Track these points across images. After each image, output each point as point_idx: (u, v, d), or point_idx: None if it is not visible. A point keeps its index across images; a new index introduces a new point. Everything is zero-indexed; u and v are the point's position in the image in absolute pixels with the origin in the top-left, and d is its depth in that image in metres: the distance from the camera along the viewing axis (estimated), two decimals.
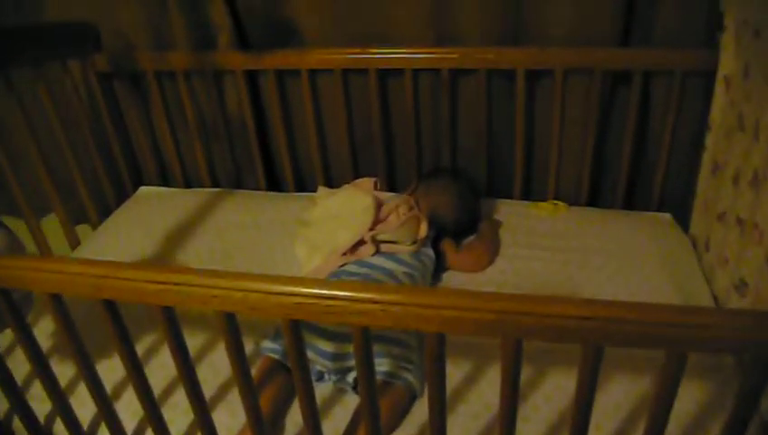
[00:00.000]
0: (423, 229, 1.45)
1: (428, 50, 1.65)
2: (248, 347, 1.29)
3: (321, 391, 1.23)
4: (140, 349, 1.16)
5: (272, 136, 1.92)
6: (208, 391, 1.21)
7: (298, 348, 0.88)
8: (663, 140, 1.60)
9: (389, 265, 1.40)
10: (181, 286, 0.85)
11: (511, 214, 1.70)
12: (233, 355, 0.92)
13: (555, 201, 1.73)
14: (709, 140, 1.50)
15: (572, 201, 1.74)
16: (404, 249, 1.42)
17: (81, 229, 1.94)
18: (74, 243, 1.82)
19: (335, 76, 1.73)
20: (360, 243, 1.43)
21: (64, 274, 0.89)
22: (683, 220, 1.65)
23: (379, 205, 1.49)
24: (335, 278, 1.36)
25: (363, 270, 1.38)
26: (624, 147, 1.65)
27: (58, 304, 0.95)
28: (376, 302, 0.77)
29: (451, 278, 1.50)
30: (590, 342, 0.74)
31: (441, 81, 1.67)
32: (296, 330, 0.86)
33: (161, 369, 1.27)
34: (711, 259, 1.48)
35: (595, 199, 1.77)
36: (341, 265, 1.40)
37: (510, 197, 1.80)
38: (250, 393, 0.95)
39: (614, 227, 1.62)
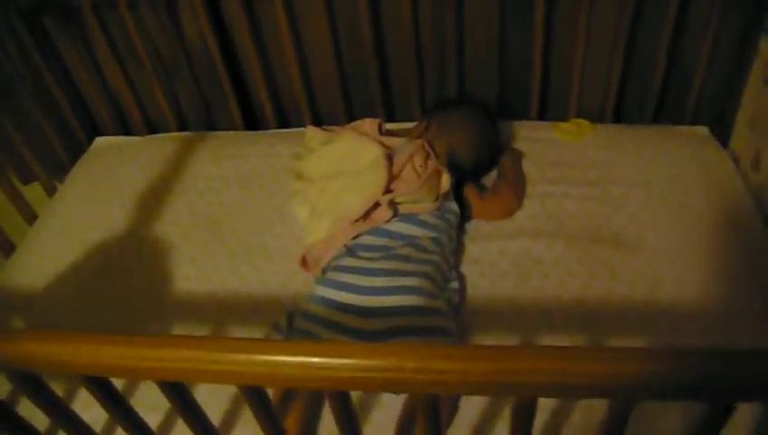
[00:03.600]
0: (445, 182, 1.25)
1: None
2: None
3: None
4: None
5: (244, 67, 1.63)
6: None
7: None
8: (704, 42, 1.38)
9: (412, 230, 1.21)
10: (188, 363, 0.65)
11: (531, 140, 1.50)
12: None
13: (578, 120, 1.53)
14: (764, 44, 1.29)
15: (596, 118, 1.54)
16: (425, 208, 1.23)
17: (33, 190, 1.68)
18: (27, 212, 1.57)
19: None
20: (375, 206, 1.22)
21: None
22: (720, 135, 1.47)
23: (389, 156, 1.26)
24: (352, 255, 1.16)
25: (383, 241, 1.19)
26: (659, 50, 1.42)
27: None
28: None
29: (477, 230, 1.32)
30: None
31: None
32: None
33: None
34: (761, 179, 1.32)
35: (620, 113, 1.56)
36: (355, 237, 1.21)
37: (526, 117, 1.58)
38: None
39: (649, 147, 1.44)
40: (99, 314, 1.27)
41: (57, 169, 1.76)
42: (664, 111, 1.54)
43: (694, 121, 1.50)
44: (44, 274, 1.38)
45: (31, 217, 1.58)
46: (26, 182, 1.76)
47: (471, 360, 0.57)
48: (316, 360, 0.58)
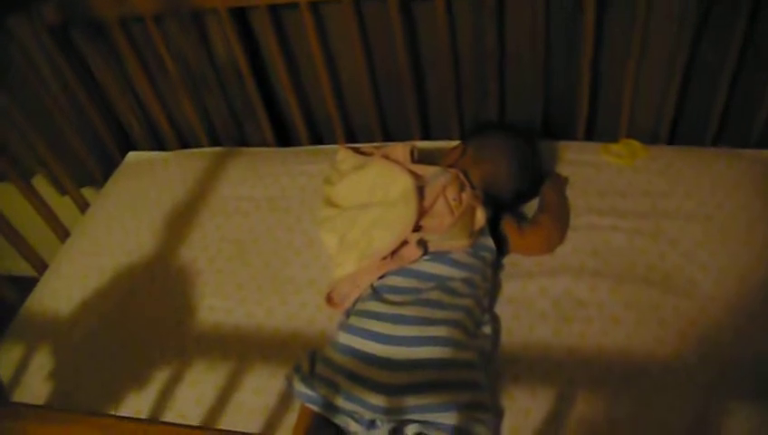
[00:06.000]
0: (480, 218, 1.16)
1: None
2: (278, 382, 1.10)
3: None
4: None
5: (274, 81, 1.57)
6: None
7: None
8: None
9: (443, 270, 1.13)
10: None
11: (577, 163, 1.39)
12: None
13: (629, 141, 1.41)
14: None
15: (650, 140, 1.41)
16: (458, 245, 1.14)
17: (64, 202, 1.67)
18: (59, 229, 1.56)
19: (344, 4, 1.36)
20: (403, 243, 1.15)
21: None
22: None
23: (420, 187, 1.18)
24: (379, 299, 1.10)
25: (411, 282, 1.12)
26: (723, 64, 1.28)
27: None
28: None
29: (515, 265, 1.23)
30: None
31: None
32: None
33: None
34: None
35: (676, 134, 1.43)
36: (381, 277, 1.14)
37: (572, 137, 1.47)
38: None
39: (709, 174, 1.31)
40: (122, 346, 1.25)
41: (91, 183, 1.75)
42: (727, 133, 1.40)
43: (761, 144, 1.36)
44: (72, 298, 1.37)
45: (63, 233, 1.57)
46: (63, 193, 1.76)
47: None
48: None
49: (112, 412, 1.14)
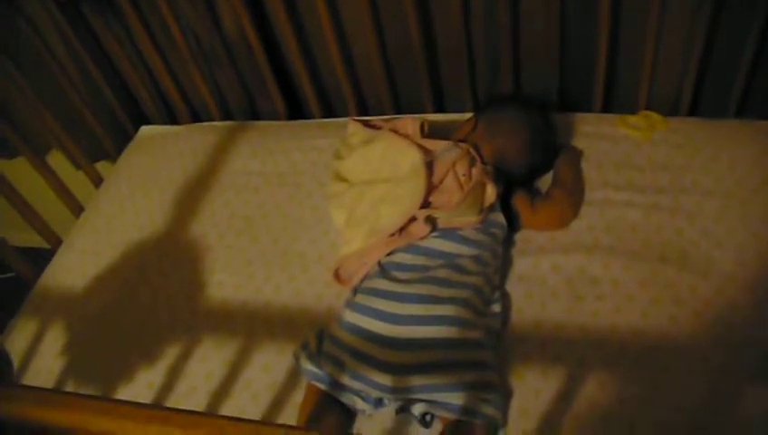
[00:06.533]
0: (490, 194, 1.13)
1: None
2: (286, 359, 1.10)
3: (383, 419, 1.02)
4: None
5: (285, 55, 1.54)
6: None
7: None
8: None
9: (452, 247, 1.11)
10: None
11: (593, 136, 1.35)
12: None
13: (648, 112, 1.36)
14: None
15: (669, 111, 1.36)
16: (467, 222, 1.12)
17: (79, 177, 1.68)
18: (74, 206, 1.57)
19: None
20: (411, 219, 1.13)
21: None
22: None
23: (429, 163, 1.15)
24: (386, 277, 1.08)
25: (419, 259, 1.10)
26: (748, 32, 1.22)
27: None
28: None
29: (528, 241, 1.21)
30: None
31: None
32: None
33: None
34: None
35: (697, 105, 1.38)
36: (389, 253, 1.12)
37: (588, 109, 1.42)
38: None
39: (730, 147, 1.26)
40: (133, 321, 1.26)
41: (105, 157, 1.75)
42: (750, 103, 1.34)
43: None
44: (85, 274, 1.38)
45: (77, 208, 1.58)
46: (78, 168, 1.76)
47: None
48: None
49: (124, 387, 1.16)
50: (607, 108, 1.42)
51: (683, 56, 1.31)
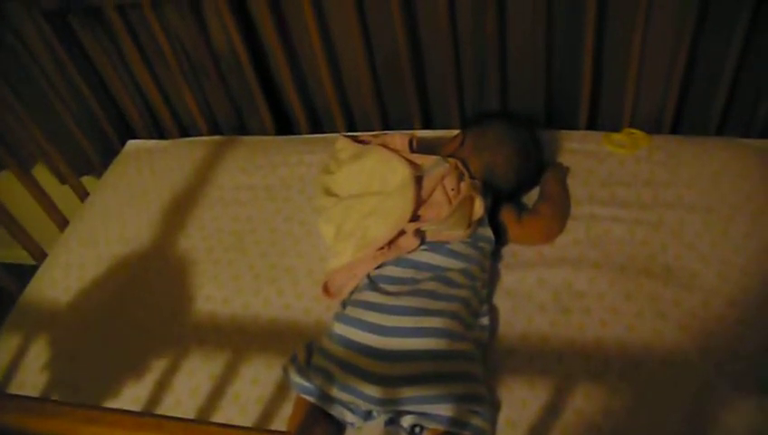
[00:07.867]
0: (478, 208, 1.14)
1: None
2: (274, 372, 1.10)
3: (372, 432, 1.02)
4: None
5: (274, 70, 1.56)
6: None
7: None
8: None
9: (440, 260, 1.12)
10: None
11: (578, 153, 1.37)
12: None
13: (631, 130, 1.39)
14: None
15: (653, 128, 1.39)
16: (455, 236, 1.13)
17: (64, 191, 1.67)
18: (59, 220, 1.56)
19: None
20: (400, 233, 1.14)
21: None
22: None
23: (419, 177, 1.17)
24: (375, 289, 1.09)
25: (408, 273, 1.11)
26: (728, 51, 1.26)
27: None
28: None
29: (515, 255, 1.22)
30: None
31: None
32: None
33: None
34: None
35: (679, 123, 1.41)
36: (378, 266, 1.13)
37: (573, 126, 1.45)
38: None
39: (712, 164, 1.29)
40: (120, 336, 1.25)
41: (91, 171, 1.75)
42: (730, 122, 1.37)
43: (765, 134, 1.34)
44: (70, 288, 1.37)
45: (63, 222, 1.57)
46: (63, 182, 1.76)
47: None
48: None
49: (110, 401, 1.15)
50: (592, 125, 1.45)
51: (666, 76, 1.34)
